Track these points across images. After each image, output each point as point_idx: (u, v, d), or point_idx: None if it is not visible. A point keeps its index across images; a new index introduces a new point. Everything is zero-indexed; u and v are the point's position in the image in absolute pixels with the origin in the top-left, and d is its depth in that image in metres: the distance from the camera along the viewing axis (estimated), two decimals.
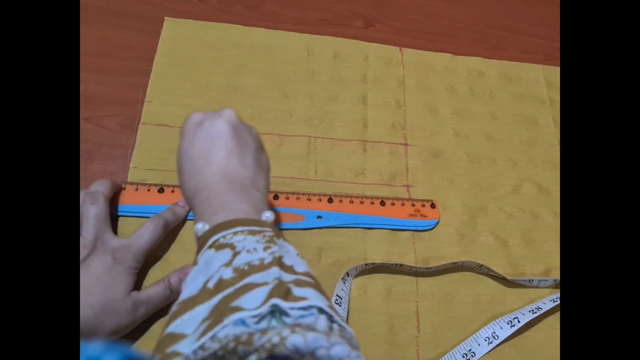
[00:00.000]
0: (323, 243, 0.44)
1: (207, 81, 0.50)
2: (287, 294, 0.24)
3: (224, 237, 0.28)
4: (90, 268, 0.35)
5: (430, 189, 0.49)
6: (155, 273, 0.40)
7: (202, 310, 0.24)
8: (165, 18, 0.52)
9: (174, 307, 0.26)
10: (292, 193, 0.45)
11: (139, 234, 0.38)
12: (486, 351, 0.41)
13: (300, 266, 0.27)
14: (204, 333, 0.22)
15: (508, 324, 0.42)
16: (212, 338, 0.22)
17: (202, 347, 0.21)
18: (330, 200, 0.45)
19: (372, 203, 0.46)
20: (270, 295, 0.23)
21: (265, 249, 0.27)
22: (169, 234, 0.41)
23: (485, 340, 0.42)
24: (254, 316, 0.22)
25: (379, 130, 0.51)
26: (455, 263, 0.44)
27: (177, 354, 0.22)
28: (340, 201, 0.45)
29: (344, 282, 0.42)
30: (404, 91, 0.54)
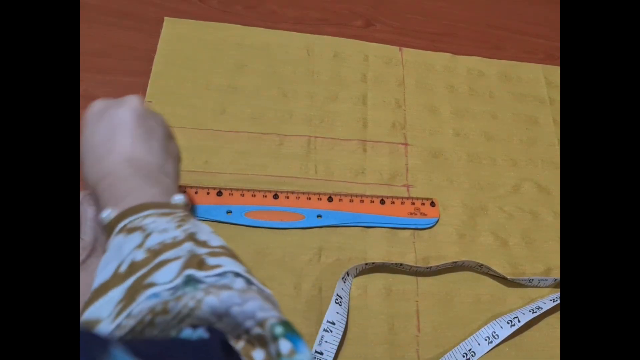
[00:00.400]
0: (323, 242, 0.44)
1: (207, 81, 0.50)
2: (201, 264, 0.23)
3: (132, 221, 0.27)
4: (89, 270, 0.35)
5: (430, 188, 0.49)
6: None
7: (116, 293, 0.23)
8: (165, 18, 0.52)
9: (90, 296, 0.25)
10: (292, 192, 0.45)
11: None
12: (486, 351, 0.41)
13: (215, 241, 0.27)
14: (119, 314, 0.22)
15: (508, 323, 0.42)
16: (128, 316, 0.21)
17: (118, 327, 0.21)
18: (330, 199, 0.45)
19: (372, 202, 0.46)
20: (184, 267, 0.23)
21: (177, 227, 0.26)
22: None
23: (486, 339, 0.42)
24: (169, 289, 0.22)
25: (378, 130, 0.51)
26: (456, 262, 0.44)
27: None
28: (340, 200, 0.45)
29: (344, 282, 0.42)
30: (403, 91, 0.54)
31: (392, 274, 0.44)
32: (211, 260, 0.24)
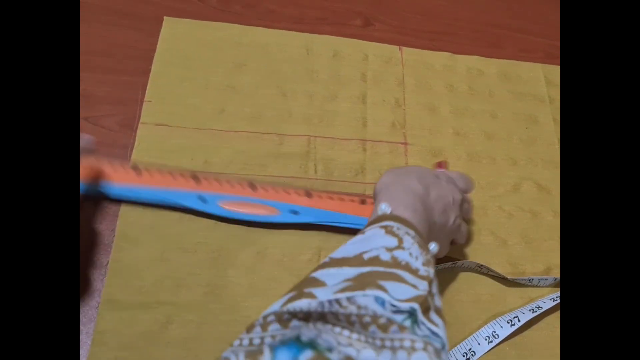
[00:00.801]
0: (322, 243, 0.44)
1: (206, 80, 0.50)
2: (426, 311, 0.25)
3: (398, 228, 0.30)
4: None
5: None
6: (156, 272, 0.40)
7: (349, 272, 0.26)
8: (165, 17, 0.52)
9: (326, 259, 0.28)
10: (270, 185, 0.44)
11: None
12: (486, 350, 0.41)
13: (439, 301, 0.28)
14: (342, 290, 0.24)
15: (508, 322, 0.42)
16: (350, 299, 0.23)
17: (337, 301, 0.23)
18: (309, 195, 0.43)
19: (353, 201, 0.44)
20: (415, 299, 0.24)
21: (424, 264, 0.28)
22: (168, 232, 0.41)
23: (486, 339, 0.42)
24: (394, 305, 0.23)
25: (378, 129, 0.51)
26: (455, 263, 0.44)
27: (312, 295, 0.24)
28: (320, 197, 0.44)
29: None
30: (403, 90, 0.54)
31: None
32: (434, 316, 0.25)
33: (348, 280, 0.25)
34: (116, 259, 0.40)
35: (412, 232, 0.30)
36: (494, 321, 0.42)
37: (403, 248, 0.28)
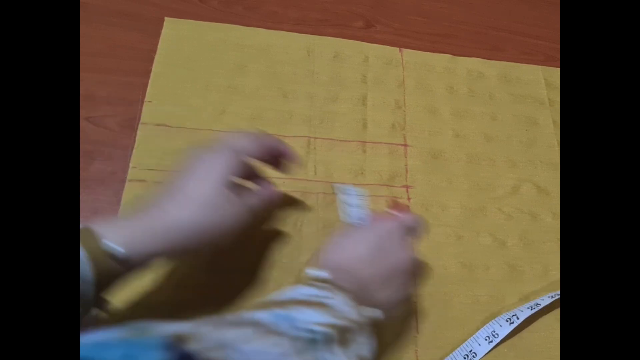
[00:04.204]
0: (322, 244, 0.44)
1: (207, 81, 0.50)
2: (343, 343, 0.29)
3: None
4: None
5: (430, 189, 0.49)
6: (155, 273, 0.40)
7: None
8: (166, 18, 0.52)
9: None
10: None
11: None
12: (487, 350, 0.41)
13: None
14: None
15: (507, 321, 0.42)
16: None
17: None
18: None
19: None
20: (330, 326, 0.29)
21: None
22: None
23: (486, 339, 0.42)
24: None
25: (378, 130, 0.51)
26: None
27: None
28: None
29: None
30: (403, 92, 0.54)
31: None
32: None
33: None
34: None
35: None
36: (493, 321, 0.42)
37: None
